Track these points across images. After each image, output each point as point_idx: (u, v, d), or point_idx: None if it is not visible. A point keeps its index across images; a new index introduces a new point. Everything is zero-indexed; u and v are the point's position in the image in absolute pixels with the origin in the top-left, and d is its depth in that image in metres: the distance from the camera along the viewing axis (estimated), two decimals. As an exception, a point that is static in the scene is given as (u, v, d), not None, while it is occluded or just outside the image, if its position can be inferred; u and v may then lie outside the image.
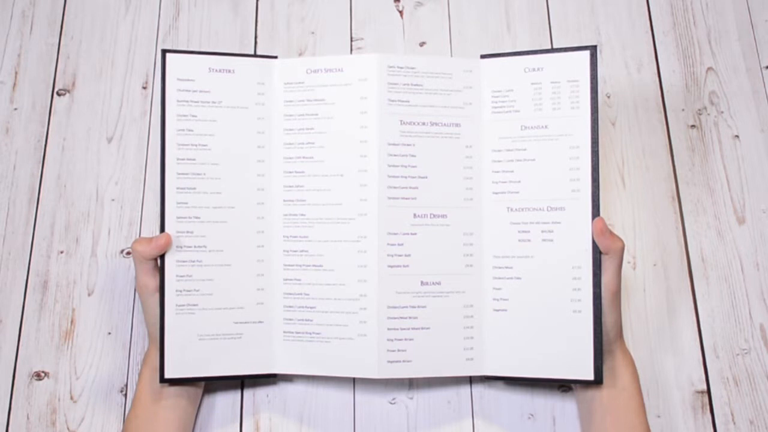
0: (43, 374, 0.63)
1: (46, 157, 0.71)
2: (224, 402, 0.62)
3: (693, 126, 0.70)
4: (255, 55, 0.60)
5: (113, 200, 0.69)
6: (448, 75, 0.60)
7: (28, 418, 0.62)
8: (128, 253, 0.67)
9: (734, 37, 0.73)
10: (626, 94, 0.71)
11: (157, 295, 0.57)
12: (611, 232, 0.55)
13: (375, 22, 0.75)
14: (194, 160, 0.59)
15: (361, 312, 0.57)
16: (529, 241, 0.58)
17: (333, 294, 0.58)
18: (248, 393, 0.62)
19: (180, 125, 0.59)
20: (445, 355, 0.58)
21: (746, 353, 0.62)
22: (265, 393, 0.62)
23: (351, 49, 0.73)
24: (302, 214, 0.59)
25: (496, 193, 0.59)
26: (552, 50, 0.59)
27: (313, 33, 0.74)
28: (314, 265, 0.59)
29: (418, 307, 0.58)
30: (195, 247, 0.58)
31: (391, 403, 0.62)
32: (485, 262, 0.59)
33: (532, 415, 0.61)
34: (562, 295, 0.56)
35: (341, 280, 0.58)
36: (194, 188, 0.58)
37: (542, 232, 0.58)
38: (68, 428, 0.61)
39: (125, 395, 0.62)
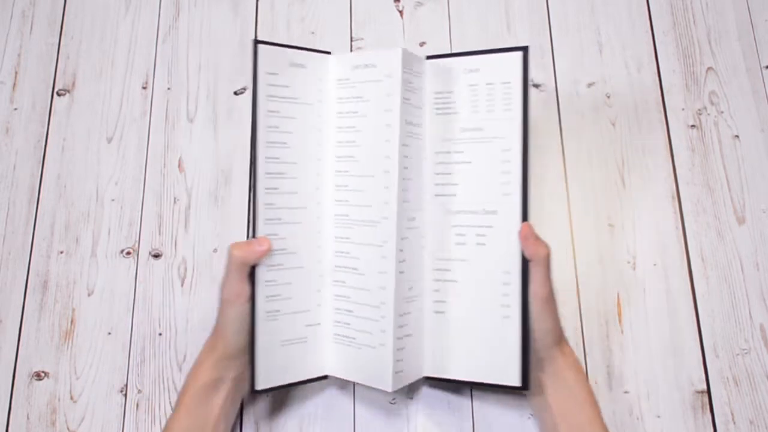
0: (43, 374, 0.63)
1: (46, 157, 0.71)
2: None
3: (693, 126, 0.70)
4: (311, 50, 0.58)
5: (113, 200, 0.69)
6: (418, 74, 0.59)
7: (28, 418, 0.62)
8: (128, 253, 0.67)
9: (734, 37, 0.73)
10: (626, 94, 0.71)
11: (247, 305, 0.54)
12: (536, 238, 0.54)
13: (375, 22, 0.75)
14: (278, 158, 0.57)
15: (381, 320, 0.56)
16: (464, 244, 0.57)
17: (364, 299, 0.57)
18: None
19: (268, 122, 0.56)
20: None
21: (746, 353, 0.62)
22: (265, 393, 0.62)
23: (351, 49, 0.73)
24: (346, 215, 0.58)
25: (437, 195, 0.58)
26: (488, 51, 0.58)
27: (313, 33, 0.74)
28: (352, 268, 0.58)
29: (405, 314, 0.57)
30: (279, 250, 0.56)
31: (391, 403, 0.62)
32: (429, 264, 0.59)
33: (532, 415, 0.61)
34: (493, 300, 0.56)
35: (368, 286, 0.57)
36: (277, 188, 0.56)
37: (477, 235, 0.57)
38: (68, 428, 0.61)
39: (125, 395, 0.62)
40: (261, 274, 0.55)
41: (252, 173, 0.55)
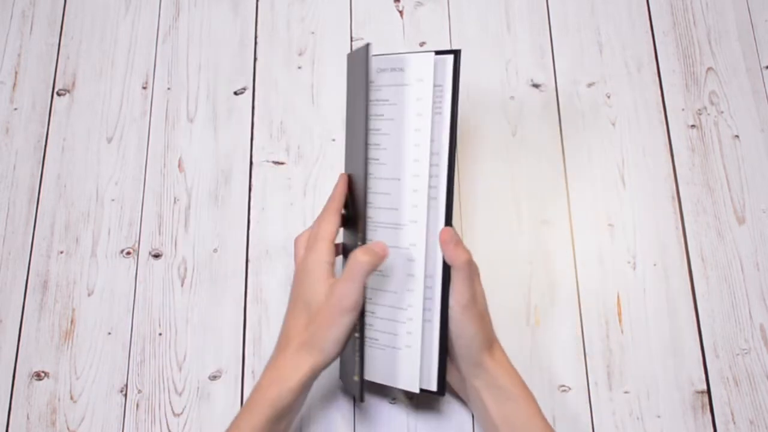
0: (43, 374, 0.63)
1: (46, 157, 0.71)
2: (224, 401, 0.62)
3: (693, 126, 0.70)
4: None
5: (113, 200, 0.69)
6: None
7: (28, 418, 0.62)
8: (128, 253, 0.67)
9: (734, 37, 0.73)
10: (626, 94, 0.71)
11: (355, 313, 0.51)
12: (456, 244, 0.52)
13: (375, 22, 0.75)
14: (378, 160, 0.56)
15: (408, 323, 0.56)
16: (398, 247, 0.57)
17: (388, 301, 0.56)
18: (248, 392, 0.62)
19: (372, 125, 0.56)
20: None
21: (746, 353, 0.62)
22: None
23: (351, 49, 0.73)
24: (369, 217, 0.57)
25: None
26: (424, 53, 0.56)
27: (313, 33, 0.74)
28: (376, 270, 0.56)
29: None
30: None
31: (391, 403, 0.62)
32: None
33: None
34: (418, 304, 0.55)
35: (394, 288, 0.56)
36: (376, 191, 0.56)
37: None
38: (68, 428, 0.61)
39: (125, 395, 0.62)
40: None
41: (364, 177, 0.54)
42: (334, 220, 0.55)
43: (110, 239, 0.68)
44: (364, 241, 0.54)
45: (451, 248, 0.52)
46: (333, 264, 0.53)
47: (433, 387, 0.55)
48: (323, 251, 0.53)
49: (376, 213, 0.57)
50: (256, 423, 0.50)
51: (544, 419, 0.54)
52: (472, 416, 0.61)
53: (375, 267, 0.51)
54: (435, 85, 0.55)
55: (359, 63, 0.55)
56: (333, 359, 0.51)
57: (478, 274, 0.55)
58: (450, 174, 0.54)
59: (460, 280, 0.53)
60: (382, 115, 0.57)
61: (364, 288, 0.51)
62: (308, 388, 0.53)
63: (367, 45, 0.54)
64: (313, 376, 0.51)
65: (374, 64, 0.56)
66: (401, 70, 0.56)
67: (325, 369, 0.52)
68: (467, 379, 0.55)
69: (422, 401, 0.61)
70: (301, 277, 0.54)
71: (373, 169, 0.57)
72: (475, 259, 0.55)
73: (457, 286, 0.53)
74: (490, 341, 0.55)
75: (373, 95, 0.57)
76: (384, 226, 0.56)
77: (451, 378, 0.58)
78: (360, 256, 0.50)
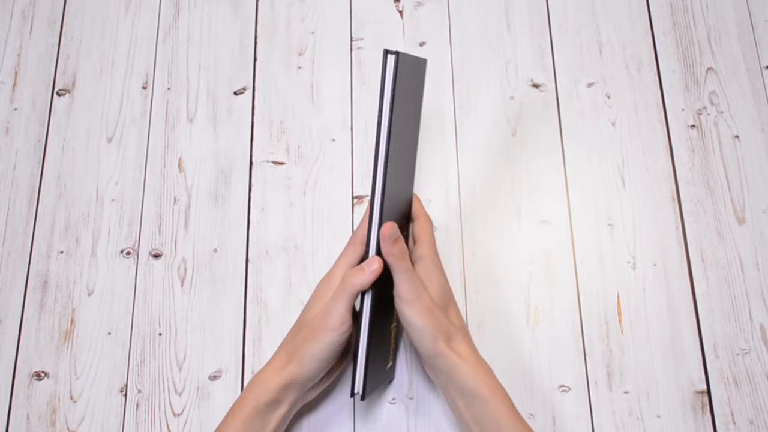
0: (43, 374, 0.63)
1: (46, 157, 0.71)
2: (224, 401, 0.62)
3: (693, 126, 0.70)
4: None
5: (113, 200, 0.69)
6: None
7: (28, 418, 0.62)
8: (128, 253, 0.67)
9: (734, 37, 0.73)
10: (626, 94, 0.71)
11: (346, 334, 0.53)
12: (394, 241, 0.51)
13: (375, 22, 0.75)
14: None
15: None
16: None
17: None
18: (248, 393, 0.62)
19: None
20: None
21: (746, 353, 0.62)
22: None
23: (351, 49, 0.73)
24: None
25: None
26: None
27: (313, 33, 0.74)
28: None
29: None
30: None
31: (391, 403, 0.62)
32: None
33: (532, 415, 0.61)
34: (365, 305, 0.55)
35: None
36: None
37: None
38: (68, 428, 0.61)
39: (125, 395, 0.62)
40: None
41: (381, 186, 0.53)
42: (355, 249, 0.57)
43: (110, 239, 0.68)
44: (367, 254, 0.54)
45: (386, 245, 0.52)
46: None
47: (357, 389, 0.54)
48: (334, 278, 0.55)
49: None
50: (239, 419, 0.53)
51: (515, 418, 0.52)
52: (472, 416, 0.61)
53: (364, 287, 0.52)
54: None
55: (414, 75, 0.54)
56: (311, 374, 0.53)
57: (436, 268, 0.55)
58: (385, 170, 0.52)
59: (396, 274, 0.52)
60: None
61: (351, 309, 0.53)
62: (290, 401, 0.54)
63: (425, 60, 0.53)
64: (291, 385, 0.53)
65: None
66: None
67: (306, 383, 0.54)
68: (432, 376, 0.55)
69: (422, 401, 0.61)
70: (310, 299, 0.57)
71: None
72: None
73: (396, 281, 0.52)
74: (446, 334, 0.53)
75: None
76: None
77: (429, 372, 0.57)
78: (348, 277, 0.53)
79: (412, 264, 0.55)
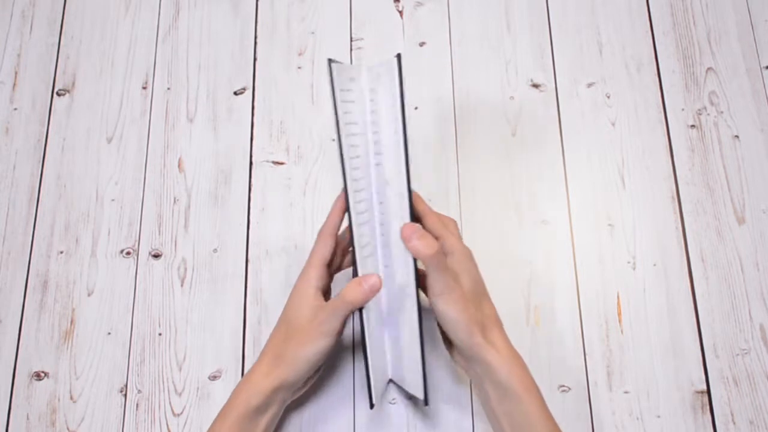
0: (43, 374, 0.63)
1: (46, 157, 0.71)
2: (224, 401, 0.62)
3: (693, 126, 0.70)
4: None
5: (113, 200, 0.69)
6: None
7: (28, 418, 0.62)
8: (128, 253, 0.67)
9: (734, 37, 0.73)
10: (626, 94, 0.71)
11: (335, 340, 0.54)
12: (420, 236, 0.52)
13: (375, 22, 0.75)
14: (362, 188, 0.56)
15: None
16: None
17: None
18: (248, 393, 0.62)
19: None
20: None
21: (746, 353, 0.62)
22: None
23: (351, 49, 0.73)
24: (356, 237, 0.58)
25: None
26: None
27: (313, 33, 0.74)
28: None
29: None
30: None
31: (391, 403, 0.62)
32: None
33: (532, 415, 0.61)
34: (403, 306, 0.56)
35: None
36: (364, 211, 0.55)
37: (381, 235, 0.56)
38: (68, 428, 0.61)
39: (125, 395, 0.62)
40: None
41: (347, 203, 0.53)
42: (326, 243, 0.56)
43: (110, 239, 0.68)
44: (356, 272, 0.54)
45: (413, 242, 0.52)
46: (321, 288, 0.56)
47: (420, 395, 0.55)
48: (312, 277, 0.55)
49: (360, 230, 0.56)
50: (229, 423, 0.53)
51: (546, 417, 0.52)
52: (472, 416, 0.61)
53: (362, 304, 0.53)
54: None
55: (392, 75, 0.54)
56: (302, 377, 0.54)
57: (468, 260, 0.55)
58: (407, 170, 0.53)
59: (429, 271, 0.52)
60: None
61: (346, 319, 0.53)
62: (280, 401, 0.55)
63: (399, 55, 0.53)
64: (282, 388, 0.54)
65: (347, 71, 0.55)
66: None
67: (296, 385, 0.54)
68: (466, 368, 0.55)
69: (422, 401, 0.61)
70: (290, 299, 0.56)
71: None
72: (475, 259, 0.55)
73: (429, 277, 0.53)
74: (481, 325, 0.53)
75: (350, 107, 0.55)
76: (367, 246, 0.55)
77: (459, 364, 0.57)
78: (348, 295, 0.52)
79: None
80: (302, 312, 0.54)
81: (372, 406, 0.54)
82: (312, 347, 0.53)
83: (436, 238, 0.55)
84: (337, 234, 0.57)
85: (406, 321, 0.56)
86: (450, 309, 0.52)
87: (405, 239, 0.52)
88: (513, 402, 0.52)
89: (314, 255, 0.56)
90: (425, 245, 0.51)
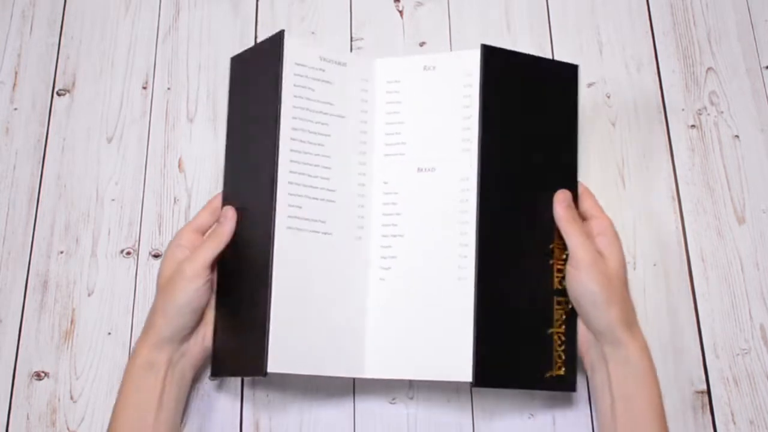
0: (43, 374, 0.63)
1: (46, 157, 0.71)
2: (224, 402, 0.62)
3: (693, 126, 0.70)
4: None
5: (113, 200, 0.69)
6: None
7: (28, 418, 0.62)
8: (128, 253, 0.67)
9: (734, 37, 0.73)
10: (626, 94, 0.71)
11: (205, 286, 0.55)
12: (569, 205, 0.57)
13: (375, 22, 0.75)
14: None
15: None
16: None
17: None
18: (248, 393, 0.62)
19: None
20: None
21: (746, 353, 0.62)
22: (265, 393, 0.62)
23: (351, 49, 0.73)
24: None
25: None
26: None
27: (313, 33, 0.74)
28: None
29: None
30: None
31: (391, 403, 0.62)
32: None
33: (532, 414, 0.61)
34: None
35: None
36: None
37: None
38: (68, 428, 0.61)
39: (125, 395, 0.62)
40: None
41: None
42: (206, 214, 0.60)
43: (110, 239, 0.68)
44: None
45: (561, 208, 0.56)
46: (188, 248, 0.57)
47: (467, 377, 0.51)
48: (183, 240, 0.58)
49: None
50: (124, 394, 0.55)
51: (661, 414, 0.52)
52: (472, 416, 0.61)
53: (227, 236, 0.56)
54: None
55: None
56: (177, 327, 0.55)
57: (617, 246, 0.56)
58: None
59: (572, 239, 0.54)
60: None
61: (212, 261, 0.56)
62: (165, 358, 0.55)
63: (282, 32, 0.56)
64: (161, 341, 0.55)
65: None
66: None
67: (174, 338, 0.55)
68: (600, 344, 0.54)
69: (422, 401, 0.61)
70: (162, 263, 0.58)
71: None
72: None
73: (572, 246, 0.54)
74: (625, 312, 0.53)
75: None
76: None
77: (581, 340, 0.56)
78: (209, 238, 0.57)
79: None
80: (167, 265, 0.57)
81: (265, 374, 0.51)
82: (181, 295, 0.54)
83: (591, 218, 0.57)
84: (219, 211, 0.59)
85: (449, 296, 0.54)
86: (591, 281, 0.52)
87: (556, 203, 0.56)
88: (638, 384, 0.52)
89: (192, 222, 0.60)
90: (572, 214, 0.55)
